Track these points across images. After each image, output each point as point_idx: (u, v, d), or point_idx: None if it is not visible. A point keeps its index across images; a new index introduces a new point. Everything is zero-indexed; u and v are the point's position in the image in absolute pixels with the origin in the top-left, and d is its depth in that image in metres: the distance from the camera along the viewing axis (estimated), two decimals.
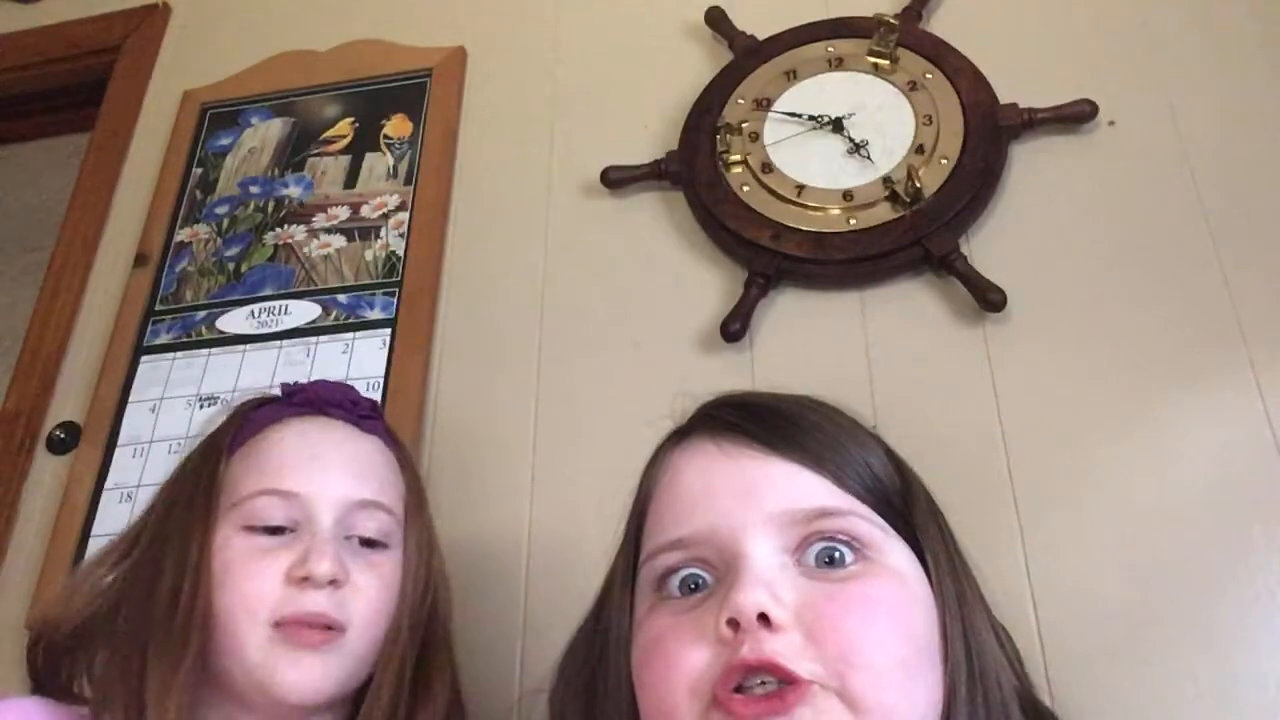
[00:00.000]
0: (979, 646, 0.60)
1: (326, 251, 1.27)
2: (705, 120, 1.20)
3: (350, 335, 1.21)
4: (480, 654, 0.95)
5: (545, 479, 1.07)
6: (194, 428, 1.17)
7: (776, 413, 0.65)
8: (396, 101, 1.37)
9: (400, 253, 1.25)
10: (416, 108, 1.36)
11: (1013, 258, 1.06)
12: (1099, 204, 1.07)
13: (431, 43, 1.41)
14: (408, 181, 1.30)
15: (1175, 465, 0.93)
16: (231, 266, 1.29)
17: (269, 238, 1.30)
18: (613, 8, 1.38)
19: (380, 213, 1.29)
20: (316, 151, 1.37)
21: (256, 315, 1.24)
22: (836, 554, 0.59)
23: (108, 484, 1.17)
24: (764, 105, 1.19)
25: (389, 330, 1.19)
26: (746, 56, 1.24)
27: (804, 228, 1.10)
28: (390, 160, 1.33)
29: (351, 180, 1.33)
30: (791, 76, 1.20)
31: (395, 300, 1.21)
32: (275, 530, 0.75)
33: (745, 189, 1.14)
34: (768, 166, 1.14)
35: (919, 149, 1.11)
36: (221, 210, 1.35)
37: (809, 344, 1.08)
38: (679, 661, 0.58)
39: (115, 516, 1.14)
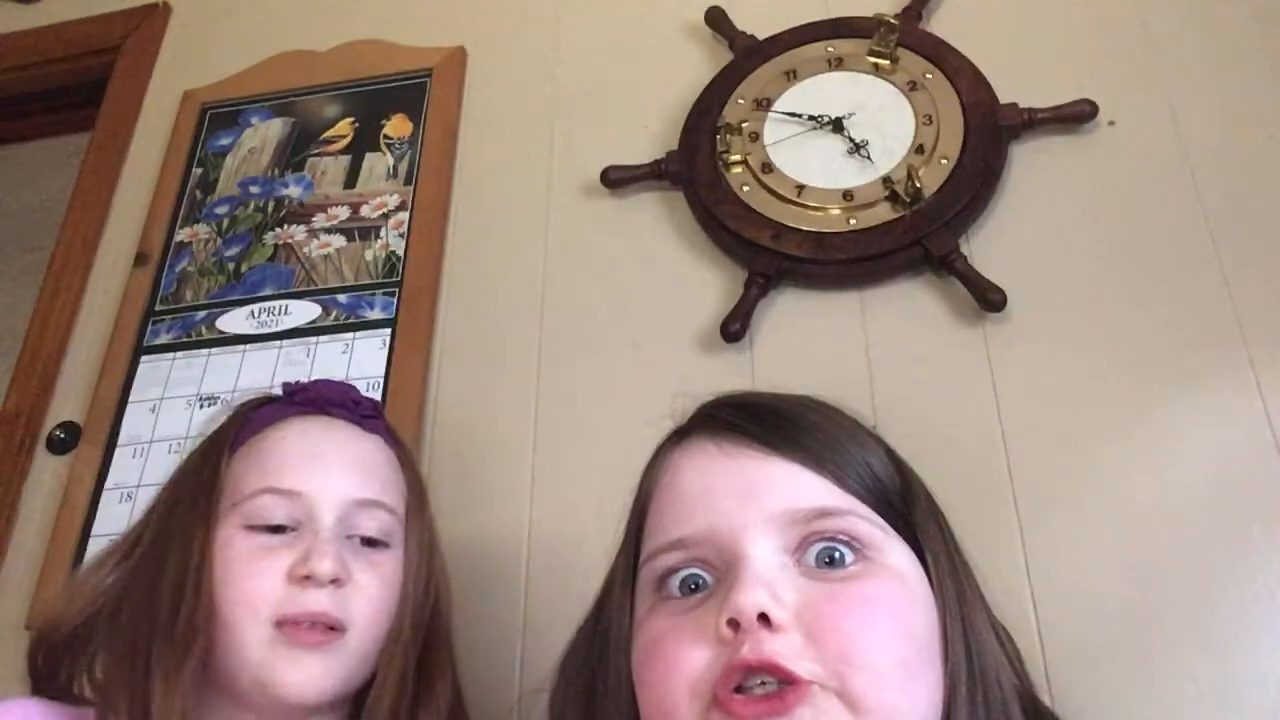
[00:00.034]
0: (979, 646, 0.60)
1: (326, 251, 1.27)
2: (705, 120, 1.20)
3: (350, 335, 1.21)
4: (480, 654, 0.95)
5: (545, 479, 1.07)
6: (194, 428, 1.17)
7: (777, 413, 0.65)
8: (396, 101, 1.37)
9: (400, 253, 1.25)
10: (416, 108, 1.36)
11: (1013, 258, 1.06)
12: (1099, 204, 1.07)
13: (431, 43, 1.41)
14: (408, 181, 1.30)
15: (1175, 465, 0.93)
16: (231, 266, 1.29)
17: (269, 238, 1.30)
18: (613, 8, 1.38)
19: (380, 213, 1.29)
20: (316, 151, 1.37)
21: (256, 315, 1.24)
22: (837, 554, 0.59)
23: (108, 484, 1.17)
24: (764, 105, 1.19)
25: (389, 330, 1.19)
26: (746, 56, 1.24)
27: (804, 228, 1.10)
28: (390, 160, 1.33)
29: (351, 180, 1.33)
30: (791, 76, 1.20)
31: (395, 300, 1.21)
32: (277, 529, 0.75)
33: (745, 189, 1.14)
34: (768, 166, 1.14)
35: (919, 149, 1.11)
36: (221, 210, 1.35)
37: (809, 344, 1.08)
38: (679, 662, 0.58)
39: (115, 516, 1.14)
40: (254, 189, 1.35)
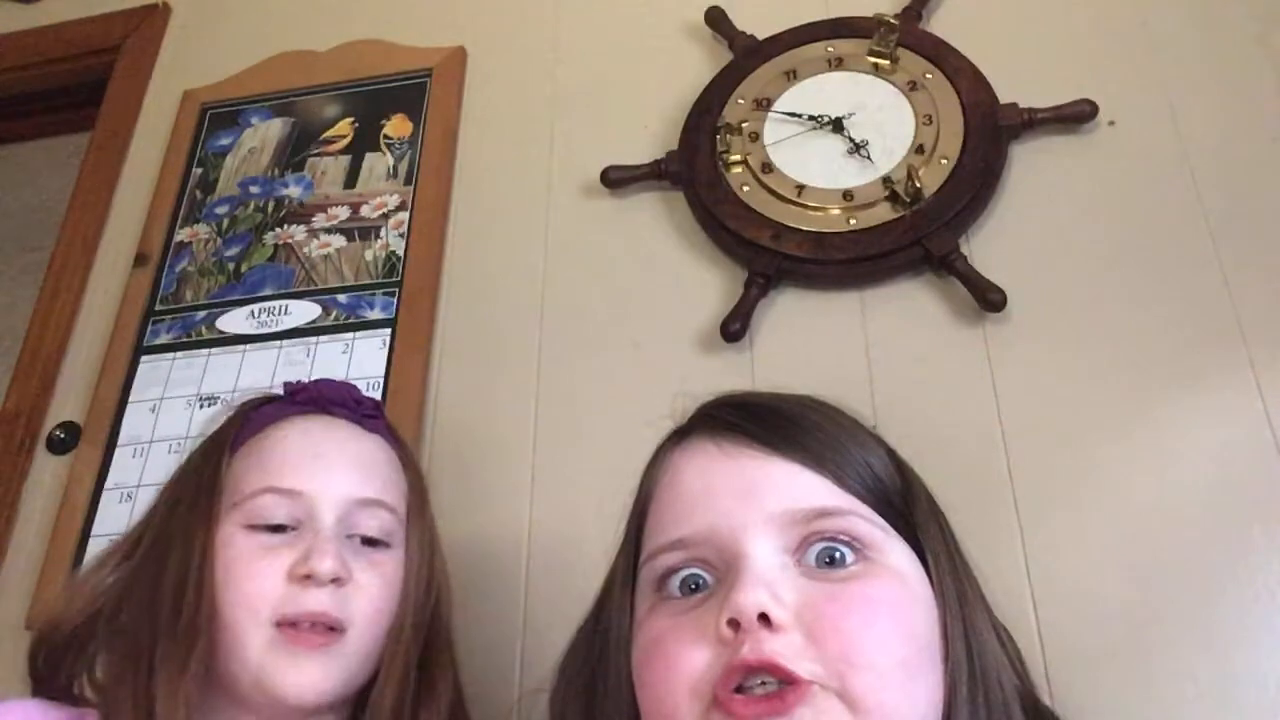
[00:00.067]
0: (980, 646, 0.60)
1: (326, 251, 1.27)
2: (705, 120, 1.20)
3: (350, 335, 1.21)
4: (480, 654, 0.95)
5: (545, 479, 1.07)
6: (194, 428, 1.17)
7: (777, 413, 0.65)
8: (396, 101, 1.37)
9: (400, 253, 1.25)
10: (416, 108, 1.36)
11: (1013, 258, 1.06)
12: (1099, 204, 1.07)
13: (431, 43, 1.41)
14: (408, 181, 1.30)
15: (1175, 465, 0.93)
16: (231, 266, 1.29)
17: (269, 238, 1.30)
18: (613, 8, 1.38)
19: (380, 213, 1.29)
20: (316, 151, 1.37)
21: (256, 315, 1.24)
22: (837, 554, 0.59)
23: (108, 484, 1.17)
24: (764, 105, 1.19)
25: (389, 330, 1.19)
26: (746, 56, 1.24)
27: (804, 228, 1.10)
28: (390, 160, 1.33)
29: (351, 180, 1.33)
30: (791, 76, 1.20)
31: (395, 300, 1.21)
32: (277, 528, 0.75)
33: (745, 189, 1.14)
34: (768, 166, 1.14)
35: (919, 149, 1.11)
36: (221, 210, 1.35)
37: (809, 344, 1.08)
38: (679, 662, 0.58)
39: (115, 516, 1.14)
40: (254, 189, 1.35)
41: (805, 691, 0.54)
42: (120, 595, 0.75)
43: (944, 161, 1.10)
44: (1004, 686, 0.60)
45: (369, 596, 0.75)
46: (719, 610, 0.57)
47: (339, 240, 1.28)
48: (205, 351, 1.23)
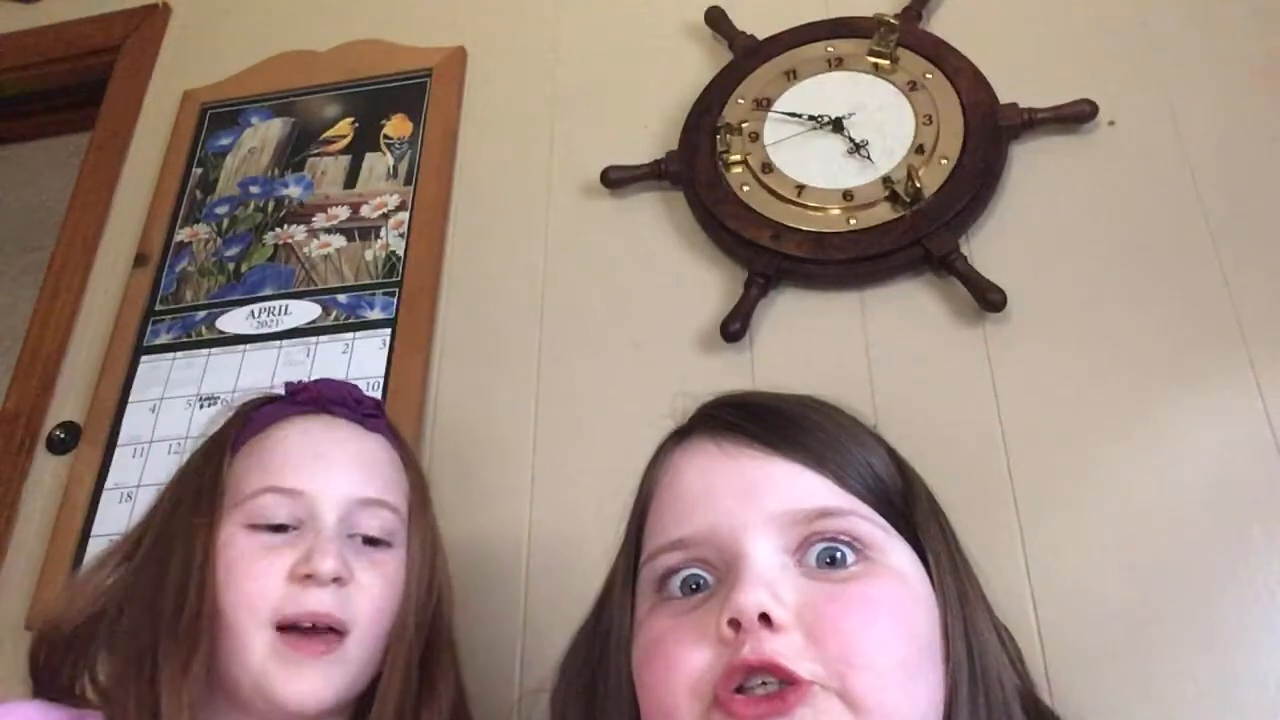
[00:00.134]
0: (981, 646, 0.60)
1: (326, 251, 1.27)
2: (705, 120, 1.20)
3: (350, 335, 1.21)
4: (480, 654, 0.95)
5: (545, 479, 1.07)
6: (194, 428, 1.17)
7: (777, 412, 0.65)
8: (396, 101, 1.37)
9: (400, 253, 1.25)
10: (416, 108, 1.36)
11: (1013, 258, 1.06)
12: (1099, 204, 1.07)
13: (431, 43, 1.41)
14: (408, 181, 1.30)
15: (1175, 465, 0.93)
16: (231, 266, 1.29)
17: (269, 238, 1.30)
18: (613, 8, 1.38)
19: (380, 213, 1.29)
20: (316, 151, 1.37)
21: (256, 315, 1.24)
22: (838, 554, 0.59)
23: (108, 484, 1.17)
24: (764, 105, 1.19)
25: (389, 330, 1.19)
26: (746, 56, 1.24)
27: (804, 228, 1.10)
28: (390, 160, 1.33)
29: (351, 180, 1.33)
30: (791, 76, 1.20)
31: (395, 300, 1.21)
32: (279, 528, 0.75)
33: (745, 189, 1.14)
34: (768, 166, 1.14)
35: (919, 149, 1.11)
36: (221, 210, 1.35)
37: (809, 344, 1.08)
38: (680, 662, 0.58)
39: (115, 516, 1.14)
40: (254, 189, 1.35)
41: (806, 692, 0.54)
42: (121, 596, 0.75)
43: (944, 161, 1.10)
44: (1005, 686, 0.60)
45: (371, 596, 0.75)
46: (719, 610, 0.57)
47: (339, 240, 1.28)
48: (205, 351, 1.23)
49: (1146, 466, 0.93)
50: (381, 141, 1.35)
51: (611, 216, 1.22)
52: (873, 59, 1.18)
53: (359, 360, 1.18)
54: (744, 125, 1.17)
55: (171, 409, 1.20)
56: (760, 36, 1.25)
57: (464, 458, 1.10)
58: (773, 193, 1.12)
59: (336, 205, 1.31)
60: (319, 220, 1.30)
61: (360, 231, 1.28)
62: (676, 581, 0.61)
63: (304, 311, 1.23)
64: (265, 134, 1.40)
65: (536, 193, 1.25)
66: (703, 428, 0.67)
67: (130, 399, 1.22)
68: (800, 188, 1.12)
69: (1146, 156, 1.08)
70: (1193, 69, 1.12)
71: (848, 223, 1.09)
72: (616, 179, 1.21)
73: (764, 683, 0.55)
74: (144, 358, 1.25)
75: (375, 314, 1.21)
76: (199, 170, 1.39)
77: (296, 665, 0.71)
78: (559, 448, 1.09)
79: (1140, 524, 0.91)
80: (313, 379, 0.86)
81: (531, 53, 1.37)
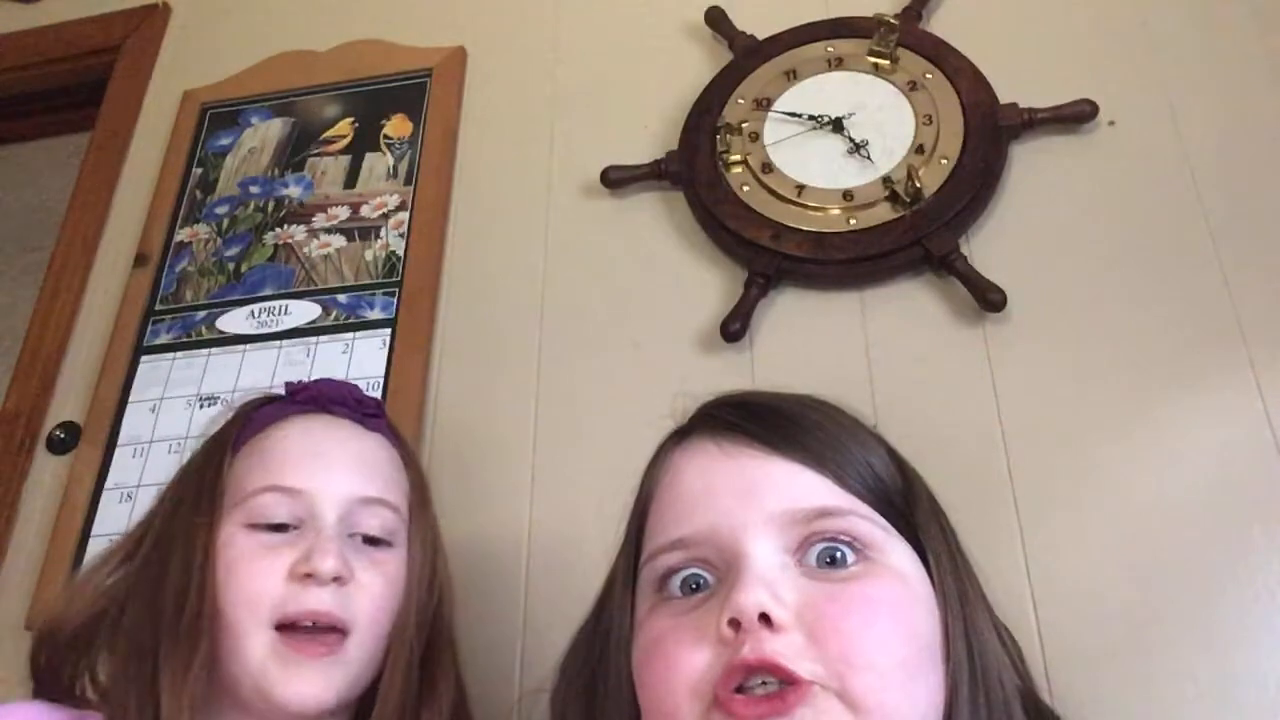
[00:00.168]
0: (981, 646, 0.60)
1: (326, 251, 1.28)
2: (705, 120, 1.20)
3: (350, 335, 1.21)
4: (480, 654, 0.95)
5: (545, 479, 1.07)
6: (194, 428, 1.17)
7: (777, 412, 0.65)
8: (396, 101, 1.37)
9: (400, 253, 1.25)
10: (416, 108, 1.36)
11: (1013, 258, 1.06)
12: (1099, 204, 1.07)
13: (431, 43, 1.41)
14: (408, 181, 1.30)
15: (1175, 465, 0.93)
16: (231, 266, 1.29)
17: (269, 238, 1.30)
18: (613, 8, 1.38)
19: (380, 213, 1.29)
20: (316, 151, 1.37)
21: (256, 315, 1.24)
22: (838, 554, 0.59)
23: (108, 484, 1.17)
24: (764, 105, 1.19)
25: (389, 330, 1.19)
26: (746, 56, 1.24)
27: (804, 228, 1.10)
28: (390, 160, 1.33)
29: (351, 180, 1.33)
30: (791, 76, 1.20)
31: (395, 300, 1.21)
32: (279, 528, 0.75)
33: (745, 189, 1.14)
34: (768, 166, 1.14)
35: (919, 149, 1.11)
36: (221, 210, 1.35)
37: (809, 344, 1.08)
38: (680, 662, 0.58)
39: (115, 516, 1.14)
40: (254, 189, 1.35)
41: (806, 692, 0.54)
42: (122, 596, 0.75)
43: (944, 161, 1.10)
44: (1005, 686, 0.60)
45: (371, 596, 0.75)
46: (719, 610, 0.57)
47: (339, 240, 1.28)
48: (205, 351, 1.23)
49: (1146, 466, 0.93)
50: (381, 141, 1.35)
51: (611, 216, 1.22)
52: (873, 59, 1.18)
53: (359, 360, 1.18)
54: (744, 125, 1.17)
55: (171, 409, 1.20)
56: (760, 36, 1.25)
57: (464, 458, 1.10)
58: (773, 193, 1.12)
59: (336, 205, 1.31)
60: (319, 220, 1.30)
61: (360, 231, 1.28)
62: (676, 581, 0.61)
63: (304, 311, 1.23)
64: (265, 134, 1.40)
65: (536, 193, 1.25)
66: (703, 428, 0.67)
67: (130, 399, 1.22)
68: (800, 188, 1.12)
69: (1146, 156, 1.08)
70: (1193, 69, 1.12)
71: (848, 223, 1.09)
72: (616, 179, 1.21)
73: (764, 683, 0.55)
74: (144, 358, 1.25)
75: (375, 314, 1.21)
76: (199, 170, 1.39)
77: (297, 666, 0.71)
78: (559, 448, 1.09)
79: (1140, 524, 0.91)
80: (313, 379, 0.87)
81: (531, 53, 1.37)
